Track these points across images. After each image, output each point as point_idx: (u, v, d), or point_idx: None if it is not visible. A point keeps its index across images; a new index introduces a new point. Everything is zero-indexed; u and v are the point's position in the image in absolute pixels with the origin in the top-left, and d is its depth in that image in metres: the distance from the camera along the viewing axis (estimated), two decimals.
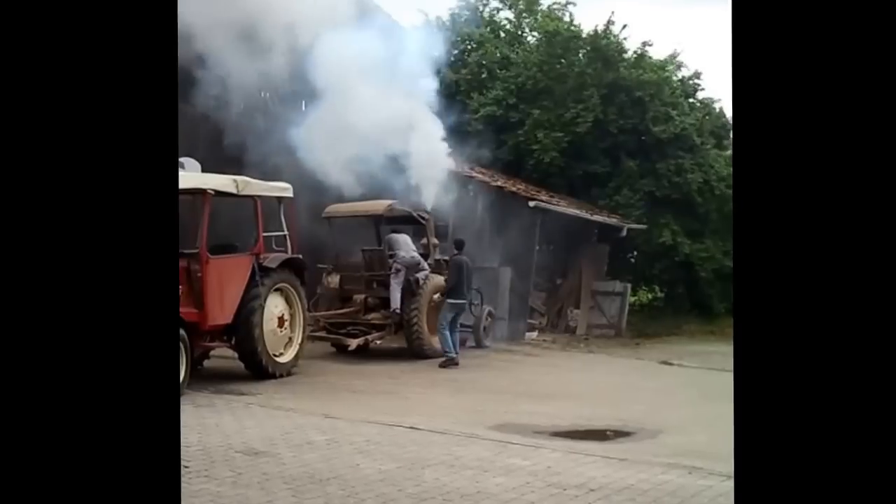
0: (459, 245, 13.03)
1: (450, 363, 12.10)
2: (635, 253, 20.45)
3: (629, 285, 18.65)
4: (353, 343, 12.65)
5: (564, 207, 17.52)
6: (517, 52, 20.99)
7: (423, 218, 13.86)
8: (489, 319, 14.54)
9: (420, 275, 12.95)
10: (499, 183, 17.18)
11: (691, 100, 20.81)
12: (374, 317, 13.17)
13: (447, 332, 12.28)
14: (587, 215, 17.84)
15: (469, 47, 21.51)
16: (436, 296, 12.99)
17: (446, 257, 14.21)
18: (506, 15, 22.79)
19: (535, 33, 21.96)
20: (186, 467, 5.89)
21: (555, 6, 21.74)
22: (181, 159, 10.35)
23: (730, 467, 5.99)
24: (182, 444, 6.53)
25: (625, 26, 19.87)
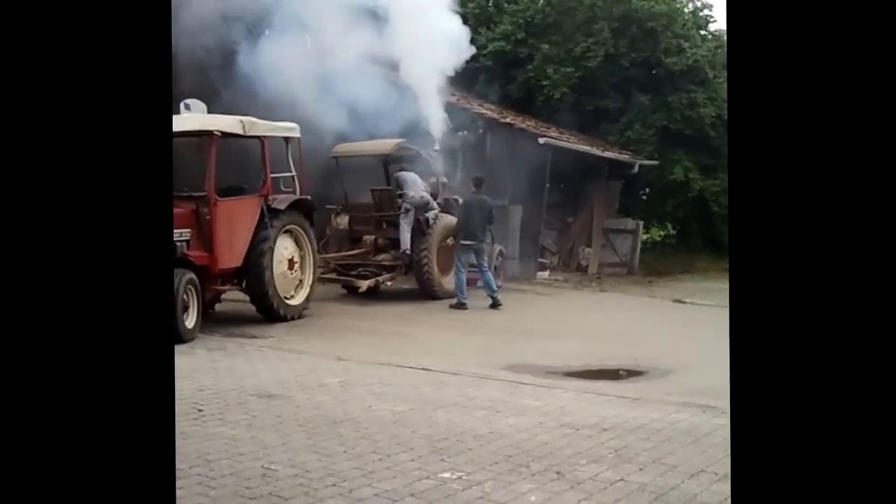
0: (477, 183, 12.68)
1: (459, 306, 12.02)
2: (647, 190, 20.27)
3: (641, 223, 18.53)
4: (364, 284, 12.62)
5: (575, 144, 17.31)
6: None
7: (431, 156, 13.71)
8: (500, 259, 14.47)
9: (429, 214, 12.83)
10: (508, 120, 16.95)
11: (703, 32, 20.36)
12: (384, 258, 13.11)
13: (461, 275, 12.12)
14: (598, 152, 17.63)
15: None
16: (449, 239, 12.86)
17: (455, 196, 14.11)
18: None
19: None
20: (201, 411, 5.92)
21: None
22: (188, 101, 10.20)
23: None
24: (196, 387, 6.60)
25: None
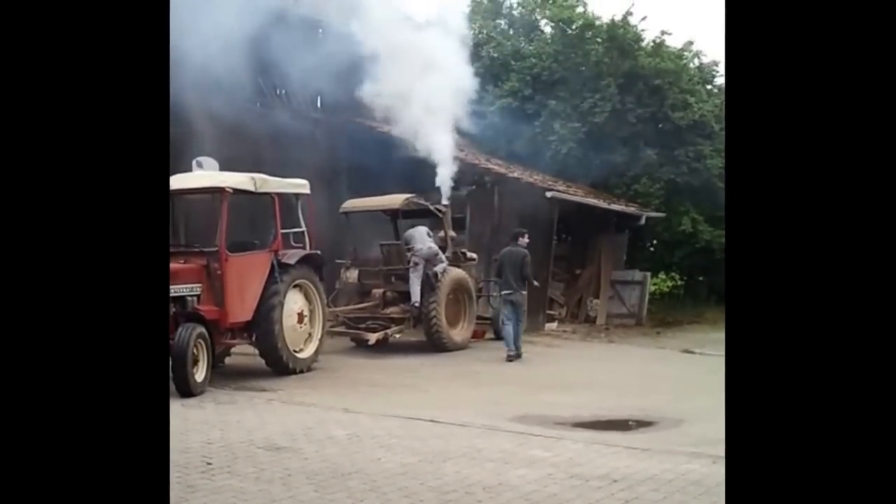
0: (514, 236, 12.73)
1: (514, 357, 12.03)
2: (655, 241, 20.34)
3: (649, 274, 18.57)
4: (373, 337, 12.66)
5: (582, 197, 17.44)
6: (532, 43, 20.91)
7: (440, 211, 13.86)
8: None
9: (438, 268, 12.92)
10: (516, 174, 17.12)
11: (709, 86, 20.66)
12: (392, 311, 13.17)
13: (508, 327, 12.17)
14: (605, 204, 17.76)
15: (483, 39, 21.44)
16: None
17: (464, 250, 14.23)
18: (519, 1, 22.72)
19: (549, 23, 21.87)
20: (209, 463, 5.93)
21: None
22: (200, 158, 10.42)
23: None
24: (205, 440, 6.61)
25: (644, 18, 19.89)
